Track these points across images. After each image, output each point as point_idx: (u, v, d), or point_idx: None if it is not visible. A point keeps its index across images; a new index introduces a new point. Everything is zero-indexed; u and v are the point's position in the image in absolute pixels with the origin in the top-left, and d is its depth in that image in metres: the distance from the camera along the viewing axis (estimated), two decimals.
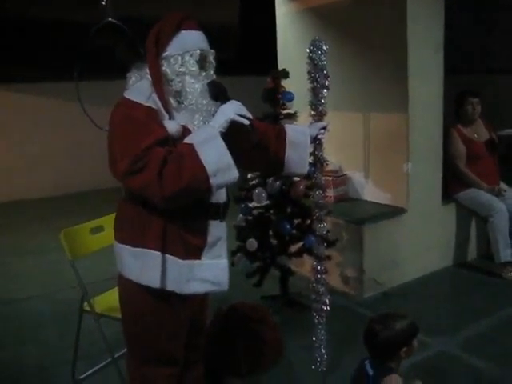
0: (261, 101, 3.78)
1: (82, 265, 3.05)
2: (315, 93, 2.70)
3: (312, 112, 2.71)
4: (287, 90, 3.74)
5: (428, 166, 4.39)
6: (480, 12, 5.85)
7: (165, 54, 2.07)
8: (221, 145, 1.95)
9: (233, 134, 2.03)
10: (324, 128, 2.65)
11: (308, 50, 2.67)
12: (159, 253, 2.03)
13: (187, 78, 2.06)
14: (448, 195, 4.62)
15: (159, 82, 2.04)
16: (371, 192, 4.52)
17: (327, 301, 2.89)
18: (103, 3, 4.74)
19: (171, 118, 2.04)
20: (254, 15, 8.35)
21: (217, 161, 1.93)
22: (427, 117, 4.29)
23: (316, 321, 2.91)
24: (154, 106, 2.00)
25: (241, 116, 2.03)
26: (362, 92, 4.42)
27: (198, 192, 1.96)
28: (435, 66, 4.27)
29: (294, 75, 3.81)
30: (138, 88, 2.07)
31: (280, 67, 4.46)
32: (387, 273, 4.24)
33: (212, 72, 2.13)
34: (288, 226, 3.75)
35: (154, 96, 2.03)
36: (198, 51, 2.08)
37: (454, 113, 4.62)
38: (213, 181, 1.92)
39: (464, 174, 4.53)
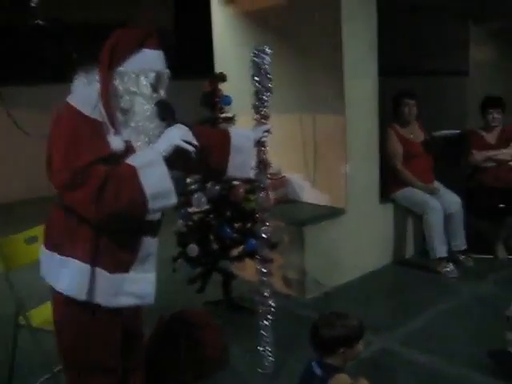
0: (197, 105, 3.76)
1: (17, 276, 2.92)
2: (259, 96, 2.70)
3: (255, 115, 2.71)
4: (225, 93, 3.73)
5: (366, 167, 4.47)
6: (426, 16, 6.03)
7: (120, 68, 2.01)
8: (163, 170, 1.95)
9: (175, 155, 2.02)
10: (267, 131, 2.66)
11: (252, 54, 2.68)
12: (88, 265, 1.99)
13: (138, 98, 2.02)
14: (385, 195, 4.72)
15: (106, 96, 1.97)
16: (310, 193, 4.56)
17: (272, 303, 2.89)
18: (33, 4, 4.56)
19: (116, 131, 1.99)
20: (190, 18, 8.30)
21: (157, 186, 1.92)
22: (364, 118, 4.37)
23: (262, 324, 2.91)
24: (99, 119, 1.95)
25: (186, 142, 2.02)
26: (299, 94, 4.46)
27: (134, 215, 1.95)
28: (370, 67, 4.36)
29: (232, 79, 3.83)
30: (85, 96, 2.00)
31: (217, 71, 4.44)
32: (328, 273, 4.28)
33: (163, 92, 2.10)
34: (229, 230, 3.73)
35: (101, 106, 1.97)
36: (154, 73, 2.04)
37: (392, 113, 4.72)
38: (150, 206, 1.92)
39: (400, 172, 4.64)
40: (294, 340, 3.41)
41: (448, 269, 4.46)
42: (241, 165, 2.49)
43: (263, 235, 2.89)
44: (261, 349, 2.95)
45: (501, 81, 6.17)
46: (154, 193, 1.90)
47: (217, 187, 3.66)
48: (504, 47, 6.90)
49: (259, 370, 2.96)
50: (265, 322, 2.92)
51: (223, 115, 3.71)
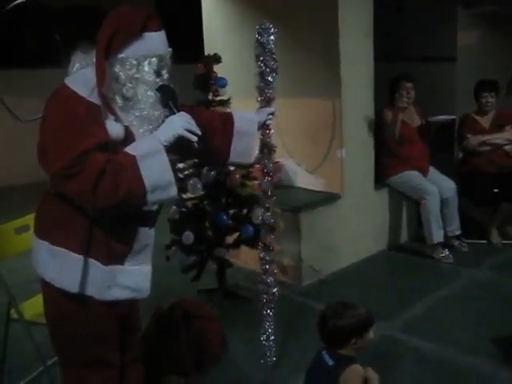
0: (187, 88, 3.62)
1: (7, 267, 2.80)
2: (263, 77, 2.59)
3: (259, 97, 2.60)
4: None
5: (361, 152, 4.41)
6: (414, 1, 5.94)
7: (120, 55, 1.87)
8: (164, 160, 1.84)
9: (177, 144, 1.91)
10: (272, 114, 2.56)
11: (256, 34, 2.56)
12: (81, 256, 1.89)
13: (141, 85, 1.89)
14: (380, 180, 4.65)
15: (103, 83, 1.84)
16: (305, 179, 4.48)
17: (276, 292, 2.81)
18: None
19: (115, 117, 1.88)
20: (177, 2, 8.12)
21: (157, 177, 1.82)
22: (359, 102, 4.30)
23: (264, 312, 2.82)
24: (97, 102, 1.83)
25: (189, 131, 1.91)
26: (294, 78, 4.34)
27: (132, 206, 1.85)
28: (366, 52, 4.29)
29: (223, 61, 3.69)
30: (83, 77, 1.88)
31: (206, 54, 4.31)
32: (324, 260, 4.22)
33: (166, 75, 1.96)
34: (225, 217, 3.63)
35: (97, 91, 1.84)
36: (157, 58, 1.91)
37: (389, 97, 4.64)
38: (149, 197, 1.82)
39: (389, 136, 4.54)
40: (292, 328, 3.35)
41: (443, 254, 4.43)
42: (244, 150, 2.38)
43: (267, 222, 2.80)
44: (263, 339, 2.87)
45: (489, 66, 6.13)
46: (154, 184, 1.80)
47: (212, 173, 3.56)
48: (492, 32, 6.87)
49: (261, 361, 2.87)
50: (268, 311, 2.83)
51: (218, 98, 3.59)
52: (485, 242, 4.79)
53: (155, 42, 1.92)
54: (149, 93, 1.91)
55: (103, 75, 1.84)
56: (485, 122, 4.85)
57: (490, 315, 3.49)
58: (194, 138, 1.91)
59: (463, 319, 3.49)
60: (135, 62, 1.88)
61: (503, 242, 4.78)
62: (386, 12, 4.36)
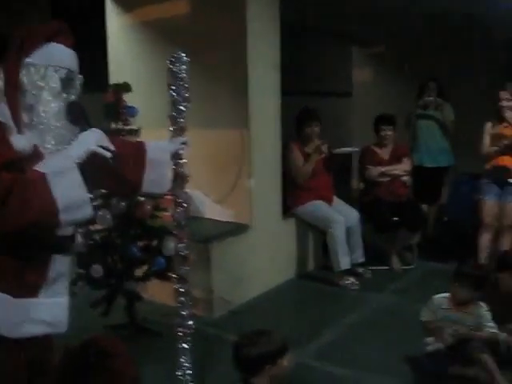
0: (93, 118, 3.53)
1: None
2: (175, 106, 2.57)
3: (172, 126, 2.58)
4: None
5: (269, 183, 4.48)
6: (312, 38, 6.18)
7: (28, 60, 1.81)
8: (76, 178, 1.76)
9: (89, 162, 1.84)
10: (184, 143, 2.54)
11: (168, 62, 2.54)
12: None
13: (44, 93, 1.83)
14: (287, 210, 4.74)
15: (15, 90, 1.76)
16: (214, 210, 4.46)
17: (192, 324, 2.75)
18: None
19: (20, 132, 1.79)
20: (80, 27, 7.90)
21: (70, 195, 1.73)
22: (268, 133, 4.39)
23: (181, 347, 2.75)
24: (1, 119, 1.73)
25: (102, 147, 1.84)
26: (202, 108, 4.31)
27: (45, 227, 1.76)
28: (273, 83, 4.39)
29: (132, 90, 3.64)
30: None
31: (112, 82, 4.23)
32: (235, 290, 4.20)
33: (74, 98, 1.91)
34: (135, 249, 3.53)
35: (3, 106, 1.76)
36: (65, 70, 1.86)
37: (295, 130, 4.77)
38: (63, 217, 1.72)
39: (301, 175, 4.65)
40: (207, 361, 3.28)
41: (349, 281, 4.56)
42: (157, 179, 2.35)
43: (181, 253, 2.75)
44: (180, 374, 2.79)
45: (383, 101, 6.48)
46: (67, 203, 1.71)
47: (122, 203, 3.46)
48: (384, 70, 7.31)
49: None
50: (184, 345, 2.76)
51: (128, 127, 3.52)
52: (386, 267, 4.99)
53: (64, 54, 1.90)
54: (52, 104, 1.84)
55: (16, 80, 1.79)
56: (384, 153, 5.11)
57: (397, 337, 3.61)
58: (108, 154, 1.85)
59: (373, 343, 3.58)
60: (42, 69, 1.83)
61: (402, 267, 5.01)
62: (285, 47, 4.50)
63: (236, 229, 4.28)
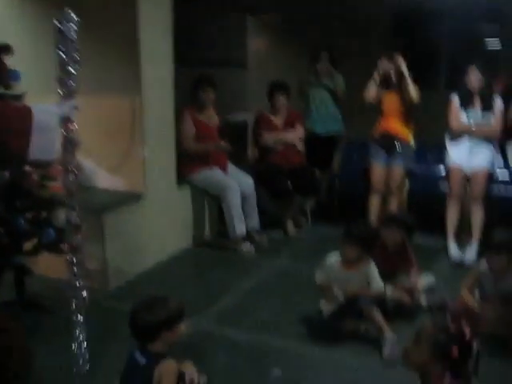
0: None
1: None
2: (64, 68, 2.43)
3: (60, 90, 2.44)
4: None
5: (162, 150, 4.39)
6: (206, 7, 6.05)
7: None
8: None
9: None
10: (75, 107, 2.42)
11: (56, 21, 2.39)
12: None
13: None
14: (182, 178, 4.68)
15: None
16: (106, 179, 4.30)
17: (85, 296, 2.67)
18: None
19: None
20: None
21: None
22: (160, 101, 4.28)
23: (74, 319, 2.66)
24: None
25: None
26: (91, 72, 4.12)
27: None
28: (166, 50, 4.28)
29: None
30: None
31: None
32: (131, 261, 4.12)
33: None
34: (22, 222, 3.34)
35: None
36: None
37: (190, 97, 4.70)
38: None
39: (193, 149, 4.63)
40: (104, 333, 3.21)
41: (246, 247, 4.61)
42: (45, 145, 2.24)
43: (72, 222, 2.64)
44: (74, 347, 2.70)
45: (278, 70, 6.51)
46: None
47: (6, 173, 3.25)
48: (277, 39, 7.35)
49: (74, 371, 2.70)
50: (78, 317, 2.67)
51: (10, 92, 3.29)
52: (281, 233, 5.09)
53: None
54: None
55: None
56: (278, 120, 5.17)
57: (292, 299, 3.72)
58: None
59: (270, 305, 3.67)
60: None
61: (297, 232, 5.13)
62: (179, 16, 4.40)
63: (129, 198, 4.17)
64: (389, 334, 3.09)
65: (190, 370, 2.49)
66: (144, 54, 4.03)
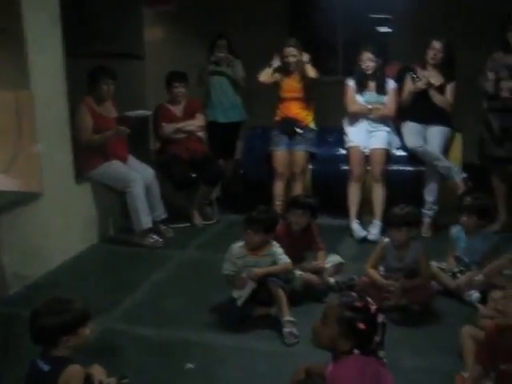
0: None
1: None
2: None
3: None
4: None
5: (58, 146, 4.19)
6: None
7: None
8: None
9: None
10: None
11: None
12: None
13: None
14: (81, 174, 4.49)
15: None
16: None
17: None
18: None
19: None
20: None
21: None
22: (52, 93, 4.06)
23: None
24: None
25: None
26: None
27: None
28: (54, 41, 4.06)
29: None
30: None
31: None
32: (31, 263, 3.90)
33: None
34: None
35: None
36: None
37: (87, 88, 4.51)
38: None
39: (92, 140, 4.45)
40: (3, 342, 3.03)
41: (153, 240, 4.51)
42: None
43: None
44: None
45: (177, 61, 6.40)
46: None
47: None
48: (176, 28, 7.23)
49: None
50: None
51: None
52: (188, 224, 5.03)
53: None
54: None
55: None
56: (177, 110, 5.09)
57: (203, 290, 3.68)
58: None
59: (180, 298, 3.61)
60: None
61: (204, 222, 5.09)
62: (72, 6, 4.20)
63: (25, 198, 3.94)
64: (287, 317, 3.12)
65: (98, 373, 2.40)
66: (30, 44, 3.80)
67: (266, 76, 4.92)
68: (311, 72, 4.84)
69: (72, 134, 4.33)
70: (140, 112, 4.86)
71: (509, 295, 2.29)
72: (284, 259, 3.29)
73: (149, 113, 5.06)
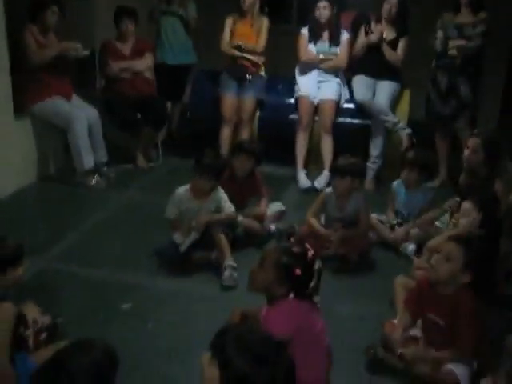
0: None
1: None
2: None
3: None
4: None
5: None
6: None
7: None
8: None
9: None
10: None
11: None
12: None
13: None
14: (21, 108, 4.29)
15: None
16: None
17: None
18: None
19: None
20: None
21: None
22: None
23: None
24: None
25: None
26: None
27: None
28: None
29: None
30: None
31: None
32: None
33: None
34: None
35: None
36: None
37: (29, 16, 4.27)
38: None
39: (38, 58, 4.24)
40: None
41: (94, 181, 4.40)
42: None
43: None
44: None
45: None
46: None
47: None
48: None
49: None
50: None
51: None
52: (131, 165, 4.94)
53: None
54: None
55: None
56: (125, 48, 4.89)
57: (143, 233, 3.64)
58: None
59: (119, 240, 3.58)
60: None
61: (148, 164, 5.01)
62: None
63: None
64: (228, 261, 3.14)
65: (32, 311, 2.37)
66: None
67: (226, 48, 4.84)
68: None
69: (11, 64, 4.11)
70: (81, 53, 4.55)
71: (443, 249, 2.35)
72: (228, 207, 3.28)
73: (86, 52, 4.72)
